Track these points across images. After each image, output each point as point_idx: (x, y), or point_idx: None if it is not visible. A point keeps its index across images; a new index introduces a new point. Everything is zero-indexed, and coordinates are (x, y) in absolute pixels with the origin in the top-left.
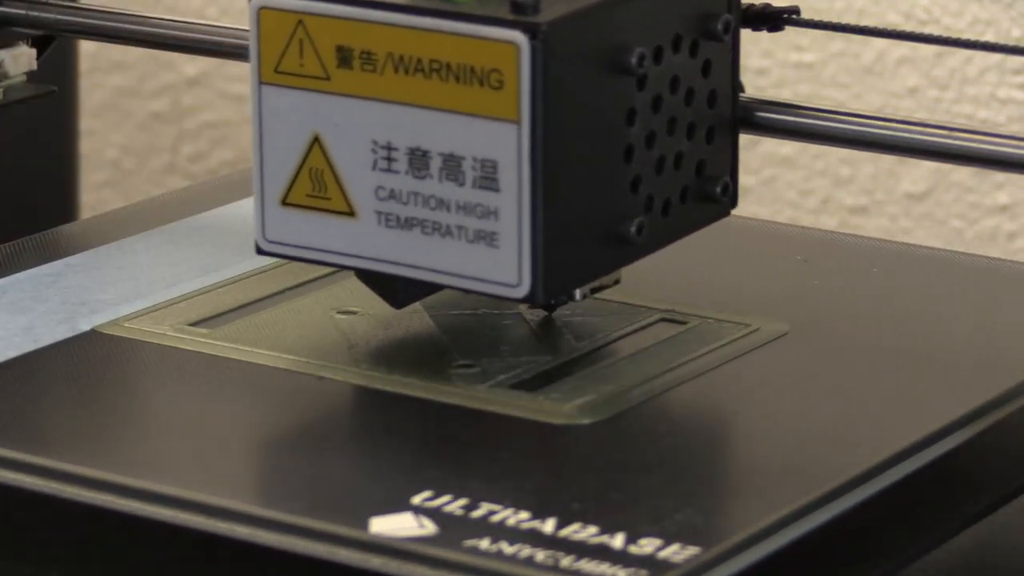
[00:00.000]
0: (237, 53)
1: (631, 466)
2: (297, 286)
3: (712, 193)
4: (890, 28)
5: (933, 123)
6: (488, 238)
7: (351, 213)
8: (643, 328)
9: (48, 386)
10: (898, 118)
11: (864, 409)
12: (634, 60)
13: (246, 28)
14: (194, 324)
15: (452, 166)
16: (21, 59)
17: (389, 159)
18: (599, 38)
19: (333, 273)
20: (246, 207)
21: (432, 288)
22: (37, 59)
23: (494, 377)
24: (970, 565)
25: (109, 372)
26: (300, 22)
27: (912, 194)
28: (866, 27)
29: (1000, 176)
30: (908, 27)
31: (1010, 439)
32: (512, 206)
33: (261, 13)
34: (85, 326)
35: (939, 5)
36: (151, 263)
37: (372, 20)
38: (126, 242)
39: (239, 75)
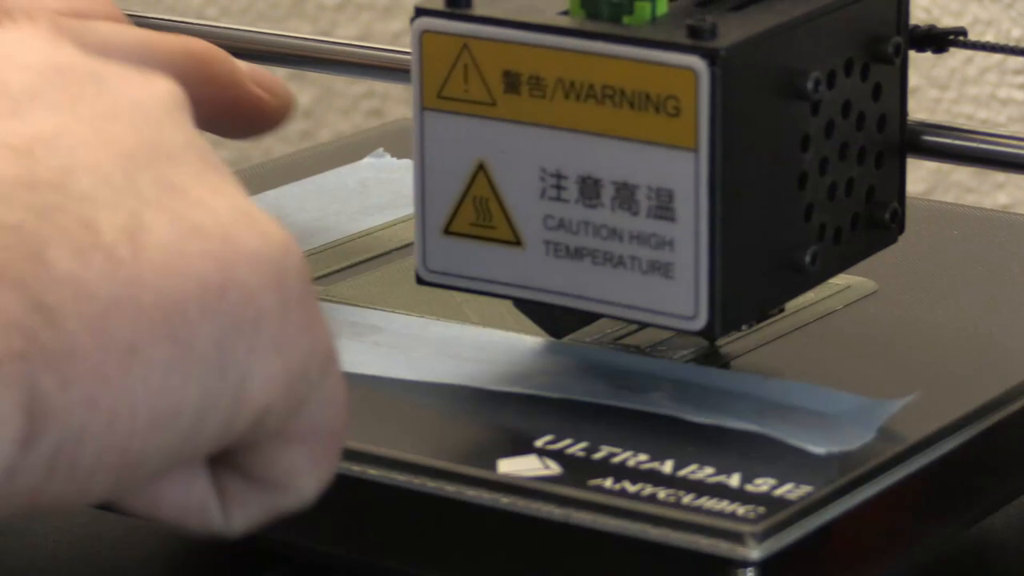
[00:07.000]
0: (237, 53)
1: None
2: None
3: (881, 219)
4: None
5: (933, 123)
6: (663, 269)
7: (517, 243)
8: None
9: None
10: None
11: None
12: (810, 85)
13: (246, 28)
14: None
15: (625, 195)
16: None
17: (559, 187)
18: (776, 62)
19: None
20: None
21: (592, 317)
22: None
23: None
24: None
25: None
26: (465, 46)
27: (912, 194)
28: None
29: (1000, 176)
30: None
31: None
32: (688, 236)
33: (424, 37)
34: None
35: (939, 5)
36: None
37: (541, 44)
38: None
39: None
